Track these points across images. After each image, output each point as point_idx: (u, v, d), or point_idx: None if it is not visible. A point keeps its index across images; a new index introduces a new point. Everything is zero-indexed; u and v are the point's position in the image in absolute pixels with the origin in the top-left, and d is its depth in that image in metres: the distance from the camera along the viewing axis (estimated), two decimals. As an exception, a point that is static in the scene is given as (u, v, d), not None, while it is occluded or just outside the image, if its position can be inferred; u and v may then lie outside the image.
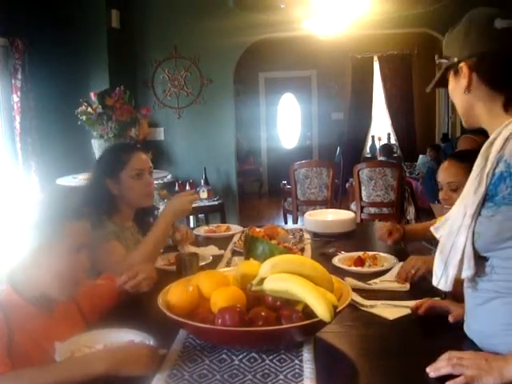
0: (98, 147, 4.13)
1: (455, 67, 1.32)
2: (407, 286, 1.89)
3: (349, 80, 8.97)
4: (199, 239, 2.71)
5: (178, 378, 1.28)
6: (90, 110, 4.10)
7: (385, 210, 5.29)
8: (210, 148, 5.79)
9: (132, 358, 1.28)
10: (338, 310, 1.37)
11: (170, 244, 2.52)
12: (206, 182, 5.30)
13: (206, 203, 4.86)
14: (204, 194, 5.05)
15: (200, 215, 4.69)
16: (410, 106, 8.99)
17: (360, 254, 2.22)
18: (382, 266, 2.12)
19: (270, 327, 1.31)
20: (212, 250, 2.47)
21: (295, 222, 5.50)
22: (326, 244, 2.52)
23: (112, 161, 2.22)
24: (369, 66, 8.96)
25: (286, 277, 1.41)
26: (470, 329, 1.37)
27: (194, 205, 4.83)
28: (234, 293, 1.44)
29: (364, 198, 5.28)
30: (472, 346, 1.34)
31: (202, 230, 2.88)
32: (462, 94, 1.32)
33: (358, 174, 5.25)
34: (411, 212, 5.43)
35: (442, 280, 1.31)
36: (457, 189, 2.02)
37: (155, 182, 4.70)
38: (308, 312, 1.35)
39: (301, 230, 2.82)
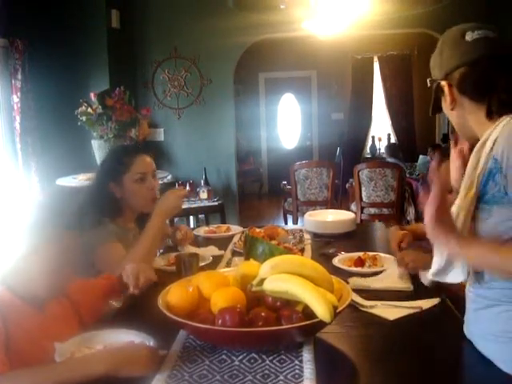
0: (97, 148, 4.13)
1: (439, 88, 1.36)
2: (410, 287, 1.89)
3: (349, 80, 8.97)
4: (199, 239, 2.71)
5: (177, 379, 1.28)
6: (90, 110, 4.11)
7: (385, 211, 5.29)
8: (210, 148, 5.79)
9: (132, 358, 1.28)
10: (338, 311, 1.37)
11: (170, 244, 2.52)
12: (206, 183, 5.29)
13: (206, 204, 4.86)
14: (204, 195, 5.05)
15: (200, 216, 4.68)
16: (410, 107, 8.99)
17: (360, 254, 2.21)
18: (381, 266, 2.12)
19: (270, 328, 1.31)
20: (212, 251, 2.47)
21: (295, 222, 5.50)
22: (326, 244, 2.52)
23: (115, 164, 2.21)
24: (369, 66, 8.96)
25: (286, 277, 1.41)
26: (469, 331, 1.37)
27: (194, 205, 4.86)
28: (234, 293, 1.44)
29: (364, 199, 5.28)
30: (471, 347, 1.34)
31: (202, 231, 2.88)
32: (451, 112, 1.36)
33: (358, 175, 5.24)
34: (411, 212, 5.42)
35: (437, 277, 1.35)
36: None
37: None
38: (308, 312, 1.35)
39: (301, 230, 2.82)
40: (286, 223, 6.05)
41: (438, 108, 1.43)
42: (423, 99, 8.88)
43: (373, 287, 1.91)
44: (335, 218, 2.87)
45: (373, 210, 5.33)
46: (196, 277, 1.58)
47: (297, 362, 1.33)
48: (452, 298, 1.86)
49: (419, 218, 5.32)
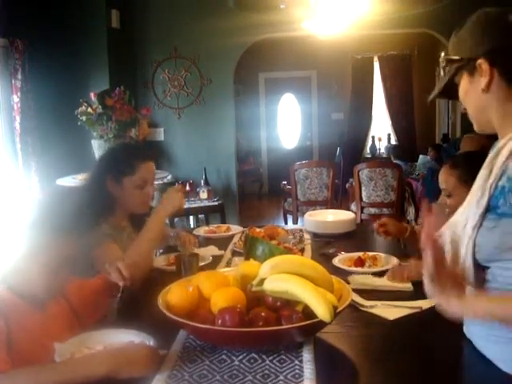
0: (97, 148, 4.13)
1: (470, 66, 1.23)
2: (410, 287, 1.89)
3: (349, 80, 8.96)
4: (199, 239, 2.71)
5: (178, 379, 1.28)
6: (90, 110, 4.10)
7: (385, 211, 5.29)
8: (210, 148, 5.79)
9: (132, 359, 1.28)
10: (337, 311, 1.37)
11: (171, 244, 2.52)
12: (206, 183, 5.29)
13: (206, 204, 4.86)
14: (204, 195, 5.05)
15: (200, 215, 4.68)
16: (410, 106, 8.99)
17: (360, 254, 2.22)
18: (381, 266, 2.12)
19: (270, 328, 1.31)
20: (212, 251, 2.47)
21: (295, 222, 5.50)
22: (326, 244, 2.52)
23: (120, 163, 2.16)
24: (369, 66, 8.96)
25: (286, 277, 1.41)
26: (469, 331, 1.37)
27: (194, 205, 4.86)
28: (234, 293, 1.44)
29: (364, 199, 5.28)
30: (471, 347, 1.34)
31: (202, 231, 2.88)
32: (477, 95, 1.24)
33: (358, 175, 5.24)
34: (411, 212, 5.42)
35: None
36: (450, 195, 2.04)
37: (155, 182, 4.74)
38: (308, 312, 1.35)
39: (301, 230, 2.82)
40: (285, 223, 6.05)
41: (444, 93, 1.33)
42: (423, 99, 8.88)
43: (373, 286, 1.91)
44: (335, 218, 2.87)
45: (373, 210, 5.33)
46: (196, 277, 1.58)
47: (297, 361, 1.33)
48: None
49: (419, 217, 5.32)
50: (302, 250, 2.40)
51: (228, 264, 2.27)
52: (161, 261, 2.30)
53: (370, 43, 8.30)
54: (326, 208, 5.05)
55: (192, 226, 4.47)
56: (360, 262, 2.14)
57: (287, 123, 9.51)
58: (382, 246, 2.45)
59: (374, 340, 1.52)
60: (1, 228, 1.46)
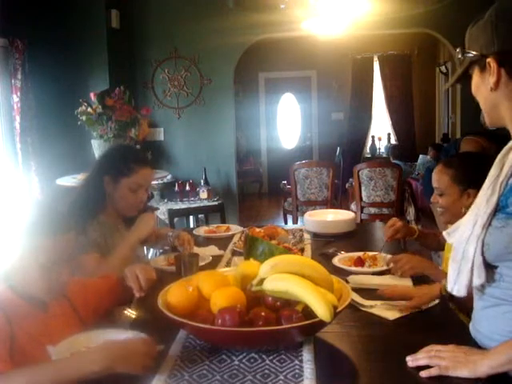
0: (97, 147, 4.13)
1: (482, 62, 1.22)
2: (410, 285, 1.90)
3: (349, 80, 8.97)
4: (199, 240, 2.71)
5: (177, 379, 1.28)
6: (89, 110, 4.11)
7: (385, 211, 5.29)
8: (209, 148, 5.80)
9: (128, 354, 1.27)
10: (337, 311, 1.37)
11: (171, 245, 2.52)
12: (206, 182, 5.29)
13: (206, 203, 4.86)
14: (204, 195, 5.05)
15: (200, 215, 4.68)
16: (410, 106, 8.99)
17: (360, 254, 2.22)
18: (381, 266, 2.12)
19: (269, 327, 1.31)
20: (212, 250, 2.47)
21: (295, 222, 5.50)
22: (325, 244, 2.52)
23: (119, 164, 2.20)
24: (369, 66, 8.96)
25: (285, 277, 1.41)
26: (475, 329, 1.37)
27: (194, 205, 4.85)
28: (234, 293, 1.44)
29: (364, 199, 5.28)
30: (474, 346, 1.33)
31: (202, 231, 2.88)
32: (487, 92, 1.23)
33: (358, 175, 5.24)
34: (411, 212, 5.43)
35: (455, 287, 1.30)
36: (442, 194, 2.05)
37: (155, 182, 4.75)
38: (308, 312, 1.35)
39: (301, 230, 2.82)
40: (285, 223, 6.05)
41: (461, 81, 1.30)
42: (423, 99, 8.90)
43: (372, 285, 1.91)
44: (335, 217, 2.87)
45: (373, 210, 5.33)
46: (196, 277, 1.58)
47: (297, 361, 1.33)
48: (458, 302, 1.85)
49: (419, 217, 5.33)
50: (301, 250, 2.40)
51: (228, 264, 2.27)
52: (161, 261, 2.30)
53: (370, 43, 8.30)
54: (326, 208, 5.05)
55: (192, 226, 4.47)
56: (360, 262, 2.14)
57: (287, 123, 9.51)
58: (382, 243, 2.44)
59: (373, 340, 1.52)
60: (1, 228, 1.45)
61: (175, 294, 1.47)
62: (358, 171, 5.24)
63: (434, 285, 1.69)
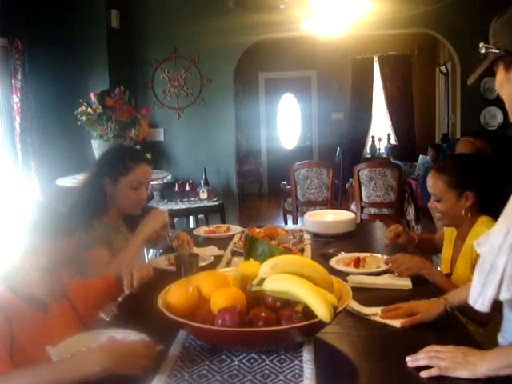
0: (97, 148, 4.13)
1: (507, 60, 1.18)
2: (410, 285, 1.90)
3: (349, 80, 8.97)
4: (199, 239, 2.71)
5: (177, 379, 1.28)
6: (89, 110, 4.10)
7: (385, 211, 5.29)
8: (209, 148, 5.80)
9: (128, 355, 1.27)
10: (337, 311, 1.37)
11: (171, 245, 2.52)
12: (206, 183, 5.29)
13: (206, 204, 4.86)
14: (204, 195, 5.04)
15: (200, 215, 4.69)
16: (410, 106, 8.99)
17: (359, 254, 2.21)
18: (379, 267, 2.11)
19: (269, 328, 1.31)
20: (212, 251, 2.47)
21: (295, 222, 5.50)
22: (326, 244, 2.52)
23: (117, 163, 2.21)
24: (369, 67, 8.96)
25: (285, 277, 1.41)
26: (504, 337, 1.36)
27: (194, 205, 4.85)
28: (234, 293, 1.44)
29: (364, 199, 5.28)
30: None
31: (202, 231, 2.88)
32: (511, 89, 1.19)
33: (358, 175, 5.24)
34: (411, 212, 5.42)
35: (479, 300, 1.23)
36: (439, 200, 2.04)
37: (155, 182, 4.75)
38: (308, 312, 1.35)
39: (301, 230, 2.82)
40: (285, 223, 6.05)
41: (481, 78, 1.26)
42: (423, 99, 8.90)
43: (371, 284, 1.91)
44: (335, 218, 2.87)
45: (373, 210, 5.33)
46: (196, 277, 1.58)
47: (297, 362, 1.33)
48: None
49: (419, 217, 5.32)
50: (301, 250, 2.40)
51: (228, 264, 2.26)
52: (161, 261, 2.30)
53: (369, 43, 8.30)
54: (326, 208, 5.05)
55: (192, 226, 4.47)
56: (359, 263, 2.14)
57: (287, 123, 9.51)
58: (382, 247, 2.44)
59: (373, 340, 1.52)
60: (2, 229, 1.45)
61: (175, 294, 1.47)
62: (358, 171, 5.24)
63: (437, 301, 1.66)
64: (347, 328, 1.56)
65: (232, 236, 2.75)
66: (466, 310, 1.83)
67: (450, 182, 2.01)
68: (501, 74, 1.21)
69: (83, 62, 4.96)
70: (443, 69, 7.68)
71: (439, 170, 2.07)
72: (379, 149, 8.94)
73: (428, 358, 1.28)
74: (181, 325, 1.41)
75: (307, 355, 1.36)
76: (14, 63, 4.17)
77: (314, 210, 4.80)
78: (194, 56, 5.69)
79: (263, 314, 1.35)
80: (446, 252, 2.21)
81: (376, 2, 4.77)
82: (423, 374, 1.25)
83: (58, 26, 4.73)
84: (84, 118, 4.11)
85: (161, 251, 2.60)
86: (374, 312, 1.66)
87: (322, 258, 2.26)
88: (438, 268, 2.20)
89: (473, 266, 1.96)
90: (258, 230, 2.56)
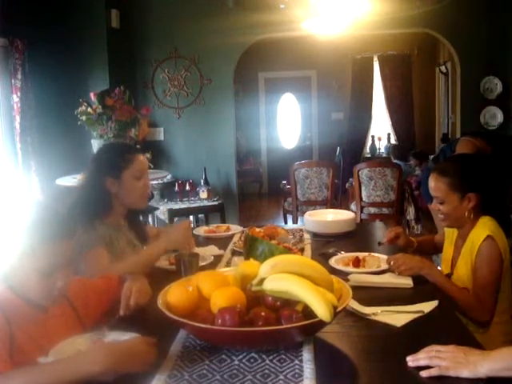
0: (97, 147, 4.13)
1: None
2: (411, 283, 1.90)
3: (349, 80, 8.96)
4: (199, 239, 2.71)
5: (177, 379, 1.28)
6: (89, 110, 4.10)
7: (385, 210, 5.29)
8: (209, 148, 5.80)
9: (128, 354, 1.27)
10: (337, 311, 1.37)
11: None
12: (206, 182, 5.30)
13: (206, 203, 4.86)
14: (204, 194, 5.05)
15: (200, 215, 4.68)
16: (410, 106, 8.99)
17: (359, 254, 2.21)
18: (379, 266, 2.11)
19: (269, 327, 1.31)
20: (212, 250, 2.47)
21: (295, 222, 5.50)
22: (325, 244, 2.52)
23: (116, 159, 2.20)
24: (369, 66, 8.95)
25: (285, 277, 1.41)
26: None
27: (194, 205, 4.84)
28: (234, 293, 1.44)
29: (364, 198, 5.28)
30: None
31: (202, 230, 2.88)
32: None
33: (358, 174, 5.24)
34: (411, 212, 5.42)
35: None
36: (442, 203, 2.04)
37: (155, 182, 4.75)
38: (308, 312, 1.35)
39: (301, 230, 2.82)
40: (285, 223, 6.05)
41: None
42: (423, 99, 8.89)
43: (372, 283, 1.91)
44: (335, 217, 2.87)
45: (373, 210, 5.33)
46: (196, 276, 1.58)
47: (297, 361, 1.33)
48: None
49: (419, 217, 5.32)
50: (301, 250, 2.40)
51: (228, 264, 2.26)
52: (161, 261, 2.29)
53: (369, 43, 8.30)
54: (326, 208, 5.05)
55: (192, 226, 4.47)
56: (359, 262, 2.14)
57: (287, 123, 9.51)
58: (382, 246, 2.44)
59: (373, 340, 1.52)
60: (1, 228, 1.45)
61: (175, 294, 1.47)
62: (358, 171, 5.24)
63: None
64: (347, 328, 1.56)
65: (232, 236, 2.75)
66: (466, 310, 1.84)
67: (453, 185, 2.00)
68: None
69: (83, 62, 4.96)
70: (443, 69, 7.68)
71: (441, 172, 2.06)
72: (379, 148, 8.94)
73: (428, 358, 1.28)
74: (181, 324, 1.41)
75: (307, 355, 1.36)
76: (13, 63, 4.17)
77: (313, 209, 4.80)
78: (194, 56, 5.69)
79: (263, 314, 1.35)
80: (447, 252, 2.21)
81: (376, 2, 4.77)
82: (423, 374, 1.25)
83: (58, 26, 4.74)
84: (84, 117, 4.11)
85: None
86: (374, 311, 1.66)
87: (322, 257, 2.26)
88: (438, 268, 2.20)
89: (473, 267, 1.96)
90: (257, 229, 2.56)
